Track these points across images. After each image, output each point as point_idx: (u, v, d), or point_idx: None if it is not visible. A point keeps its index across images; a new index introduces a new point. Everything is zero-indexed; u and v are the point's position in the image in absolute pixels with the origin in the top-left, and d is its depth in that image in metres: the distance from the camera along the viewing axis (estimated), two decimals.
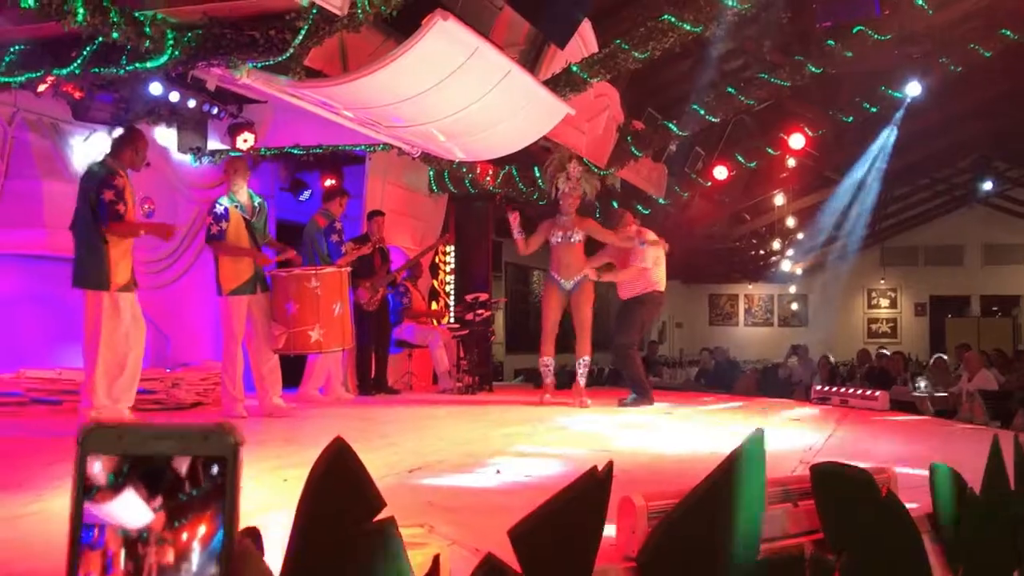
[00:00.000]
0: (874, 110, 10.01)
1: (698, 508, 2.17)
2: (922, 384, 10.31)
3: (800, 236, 17.44)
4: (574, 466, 3.57)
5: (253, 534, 1.79)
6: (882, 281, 22.02)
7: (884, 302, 22.21)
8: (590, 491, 2.01)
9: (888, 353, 13.16)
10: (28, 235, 6.52)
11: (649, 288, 7.31)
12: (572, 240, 7.01)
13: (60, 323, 6.63)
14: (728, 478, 2.22)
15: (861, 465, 2.68)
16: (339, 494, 1.79)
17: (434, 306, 10.38)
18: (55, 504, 2.97)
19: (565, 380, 8.23)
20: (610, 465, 2.06)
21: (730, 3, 6.45)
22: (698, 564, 2.15)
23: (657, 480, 3.32)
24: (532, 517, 1.96)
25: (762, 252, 18.77)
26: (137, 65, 5.32)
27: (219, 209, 6.11)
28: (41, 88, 5.77)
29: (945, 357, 12.17)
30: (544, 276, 7.35)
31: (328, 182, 9.16)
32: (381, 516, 1.84)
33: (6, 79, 5.59)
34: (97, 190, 5.20)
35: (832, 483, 2.50)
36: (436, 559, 2.41)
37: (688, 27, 6.58)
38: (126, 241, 5.34)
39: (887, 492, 2.60)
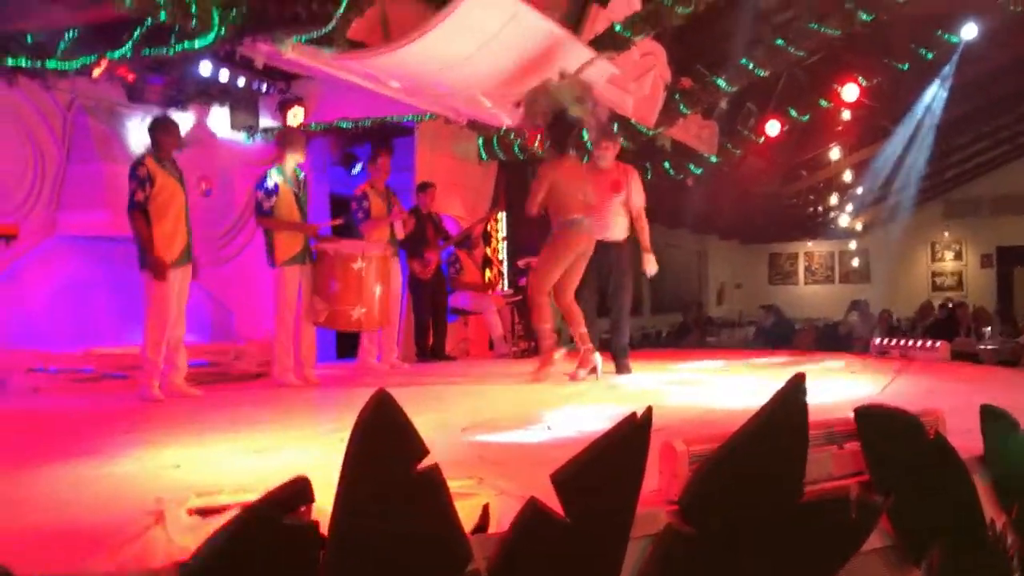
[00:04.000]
0: (930, 56, 9.71)
1: (739, 451, 2.20)
2: (987, 333, 10.09)
3: (859, 191, 17.04)
4: None
5: (302, 482, 1.87)
6: (946, 233, 21.45)
7: (949, 255, 21.64)
8: (630, 435, 2.05)
9: (952, 304, 12.90)
10: (91, 217, 6.72)
11: None
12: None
13: (123, 302, 6.83)
14: (769, 421, 2.24)
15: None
16: (383, 442, 1.86)
17: (487, 275, 10.42)
18: (125, 468, 3.12)
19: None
20: (649, 410, 2.10)
21: None
22: (740, 506, 2.18)
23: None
24: (574, 462, 2.02)
25: (819, 208, 18.39)
26: (186, 44, 5.46)
27: (269, 184, 6.19)
28: (96, 72, 5.91)
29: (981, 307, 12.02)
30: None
31: None
32: (426, 463, 1.91)
33: (63, 64, 5.78)
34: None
35: (877, 424, 2.51)
36: (485, 508, 2.48)
37: None
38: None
39: (935, 433, 2.60)
